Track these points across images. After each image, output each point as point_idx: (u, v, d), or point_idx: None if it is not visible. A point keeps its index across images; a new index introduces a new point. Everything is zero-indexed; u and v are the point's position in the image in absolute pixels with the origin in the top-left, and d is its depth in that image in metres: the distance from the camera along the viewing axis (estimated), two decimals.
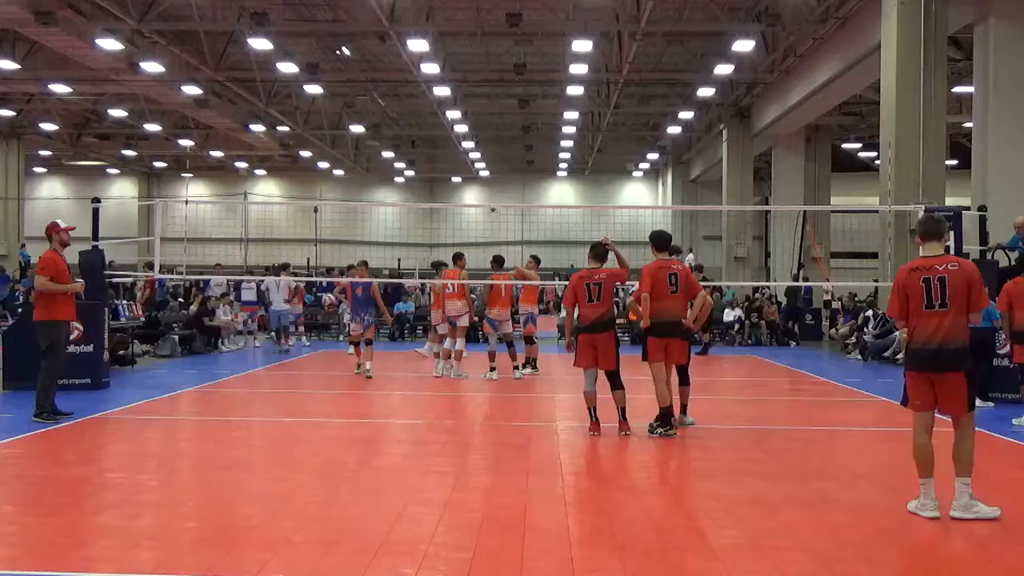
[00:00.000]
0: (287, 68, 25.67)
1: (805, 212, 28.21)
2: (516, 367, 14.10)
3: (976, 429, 6.03)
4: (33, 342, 11.93)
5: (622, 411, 8.93)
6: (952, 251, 11.69)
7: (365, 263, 15.15)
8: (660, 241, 9.23)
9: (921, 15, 16.26)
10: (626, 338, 21.69)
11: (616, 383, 8.94)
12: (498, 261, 14.60)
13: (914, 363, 6.06)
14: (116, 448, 8.70)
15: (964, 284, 5.89)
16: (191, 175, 49.29)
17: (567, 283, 9.50)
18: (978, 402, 10.73)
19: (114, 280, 16.07)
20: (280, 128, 35.49)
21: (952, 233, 12.10)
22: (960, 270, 5.94)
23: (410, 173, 47.83)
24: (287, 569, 4.77)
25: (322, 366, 16.74)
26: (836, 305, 24.39)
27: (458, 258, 14.40)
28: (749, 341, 22.87)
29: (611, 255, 9.28)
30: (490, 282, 14.33)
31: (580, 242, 11.24)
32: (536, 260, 15.05)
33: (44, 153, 42.99)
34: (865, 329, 19.47)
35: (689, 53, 26.91)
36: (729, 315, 23.45)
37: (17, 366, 11.97)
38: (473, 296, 19.33)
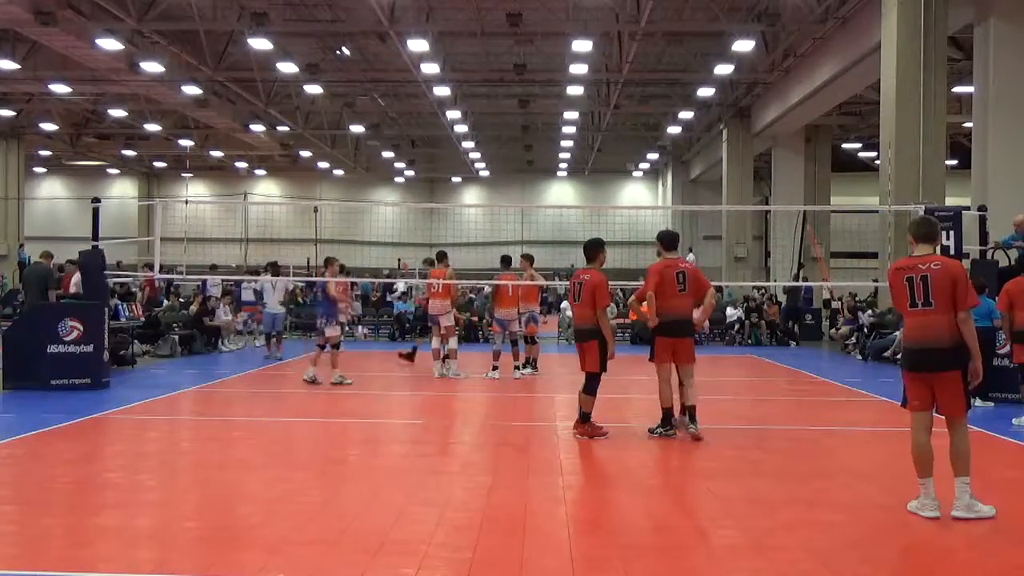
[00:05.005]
0: (287, 68, 25.68)
1: (805, 212, 28.22)
2: (517, 367, 14.11)
3: (969, 427, 6.01)
4: (32, 341, 12.03)
5: (581, 414, 8.74)
6: (952, 251, 11.72)
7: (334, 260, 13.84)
8: (668, 240, 9.17)
9: (921, 15, 16.27)
10: (625, 338, 21.70)
11: (588, 386, 8.71)
12: (505, 261, 14.56)
13: (907, 363, 6.07)
14: (116, 448, 8.69)
15: (948, 283, 5.83)
16: (191, 175, 49.29)
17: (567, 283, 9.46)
18: (978, 402, 10.80)
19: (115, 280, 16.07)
20: (280, 128, 35.50)
21: (952, 233, 12.09)
22: (944, 268, 5.90)
23: (410, 173, 47.84)
24: (287, 569, 4.77)
25: (321, 366, 16.70)
26: (836, 305, 24.39)
27: (442, 257, 14.43)
28: (749, 341, 22.88)
29: (600, 255, 9.14)
30: (496, 282, 14.35)
31: (580, 242, 11.15)
32: (529, 259, 14.97)
33: (44, 153, 43.01)
34: (864, 328, 19.49)
35: (689, 53, 26.92)
36: (731, 314, 23.45)
37: (17, 366, 11.96)
38: (473, 296, 19.17)
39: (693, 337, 9.12)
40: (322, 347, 13.18)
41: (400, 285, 20.12)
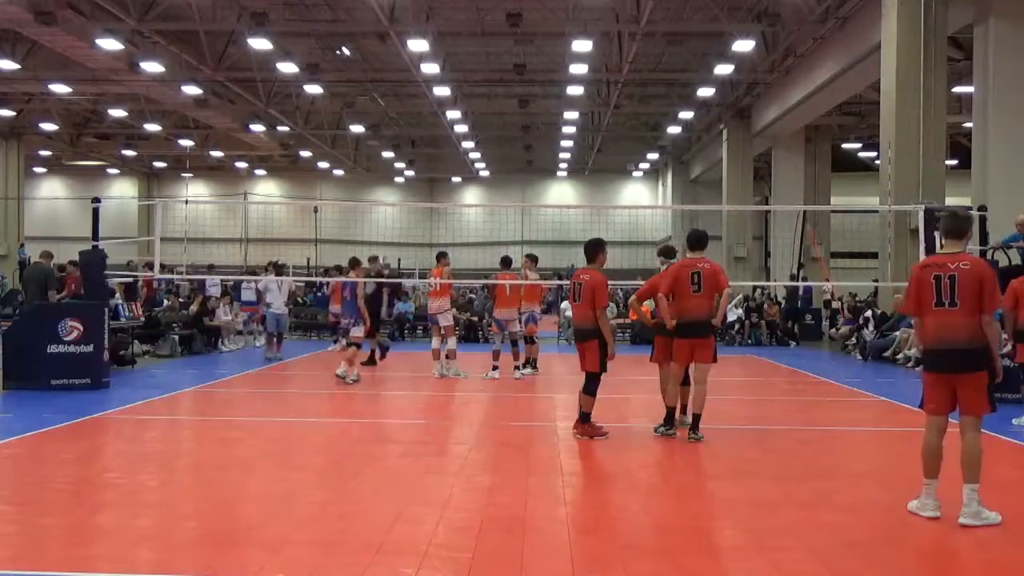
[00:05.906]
0: (287, 68, 25.69)
1: (805, 212, 28.23)
2: (517, 367, 14.11)
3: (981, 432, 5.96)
4: (32, 341, 12.01)
5: (581, 414, 8.74)
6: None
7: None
8: (691, 240, 9.10)
9: (921, 15, 16.29)
10: (625, 338, 21.69)
11: (587, 386, 8.70)
12: (505, 262, 14.55)
13: (929, 364, 5.96)
14: (116, 448, 8.69)
15: (975, 283, 5.71)
16: (191, 175, 49.30)
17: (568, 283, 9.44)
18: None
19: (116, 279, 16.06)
20: (280, 128, 35.51)
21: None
22: (972, 269, 5.76)
23: (410, 173, 47.85)
24: (287, 569, 4.77)
25: (321, 366, 16.71)
26: (836, 305, 24.39)
27: (441, 257, 14.50)
28: (749, 341, 22.87)
29: (600, 256, 9.09)
30: (494, 282, 14.34)
31: (580, 242, 11.19)
32: (533, 259, 15.02)
33: (44, 153, 43.03)
34: (865, 329, 19.48)
35: (689, 53, 26.93)
36: (732, 314, 23.44)
37: (17, 366, 11.95)
38: (473, 296, 19.10)
39: (712, 336, 8.96)
40: (358, 346, 13.37)
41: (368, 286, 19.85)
